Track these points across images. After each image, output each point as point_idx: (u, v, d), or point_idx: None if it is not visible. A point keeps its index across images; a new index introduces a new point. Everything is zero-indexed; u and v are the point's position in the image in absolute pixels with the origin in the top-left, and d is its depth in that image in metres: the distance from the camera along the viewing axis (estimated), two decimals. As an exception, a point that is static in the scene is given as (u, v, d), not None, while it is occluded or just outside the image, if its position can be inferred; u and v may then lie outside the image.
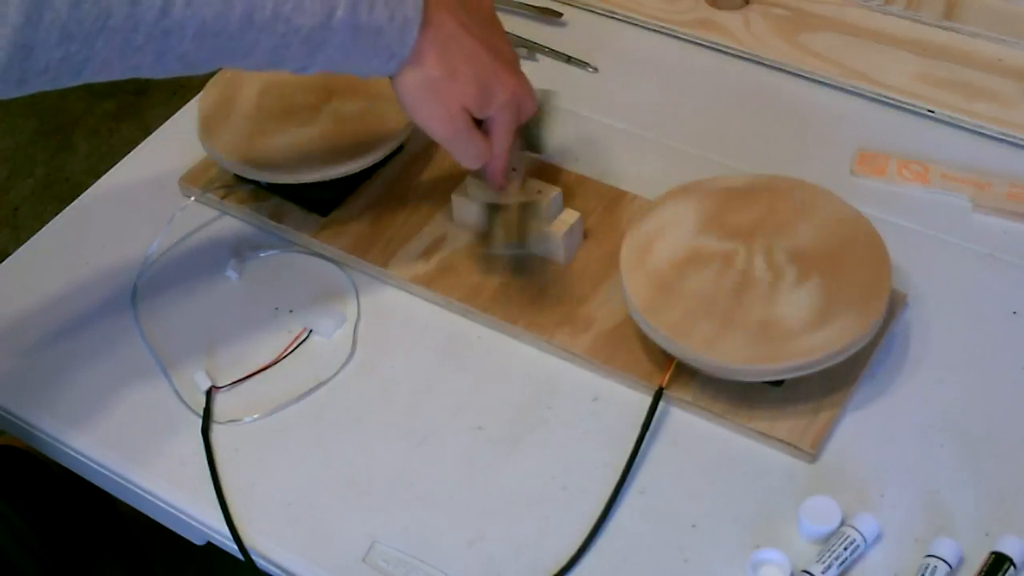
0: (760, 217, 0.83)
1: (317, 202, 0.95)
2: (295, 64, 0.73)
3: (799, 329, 0.77)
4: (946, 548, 0.71)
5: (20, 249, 0.97)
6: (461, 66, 0.76)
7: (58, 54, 0.65)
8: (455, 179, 0.92)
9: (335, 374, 0.86)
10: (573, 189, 0.92)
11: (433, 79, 0.76)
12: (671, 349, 0.78)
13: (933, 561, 0.70)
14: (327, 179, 0.91)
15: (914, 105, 1.00)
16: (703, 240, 0.83)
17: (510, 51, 0.81)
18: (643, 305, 0.79)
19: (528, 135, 0.89)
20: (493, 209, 0.87)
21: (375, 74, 0.76)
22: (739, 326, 0.77)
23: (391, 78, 0.77)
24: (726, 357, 0.76)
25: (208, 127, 0.95)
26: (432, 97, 0.77)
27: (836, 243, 0.82)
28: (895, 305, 0.84)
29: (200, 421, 0.83)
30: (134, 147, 1.05)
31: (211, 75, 0.99)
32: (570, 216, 0.88)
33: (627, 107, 0.97)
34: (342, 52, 0.73)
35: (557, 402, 0.83)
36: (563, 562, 0.74)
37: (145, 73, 0.70)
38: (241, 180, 0.95)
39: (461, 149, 0.80)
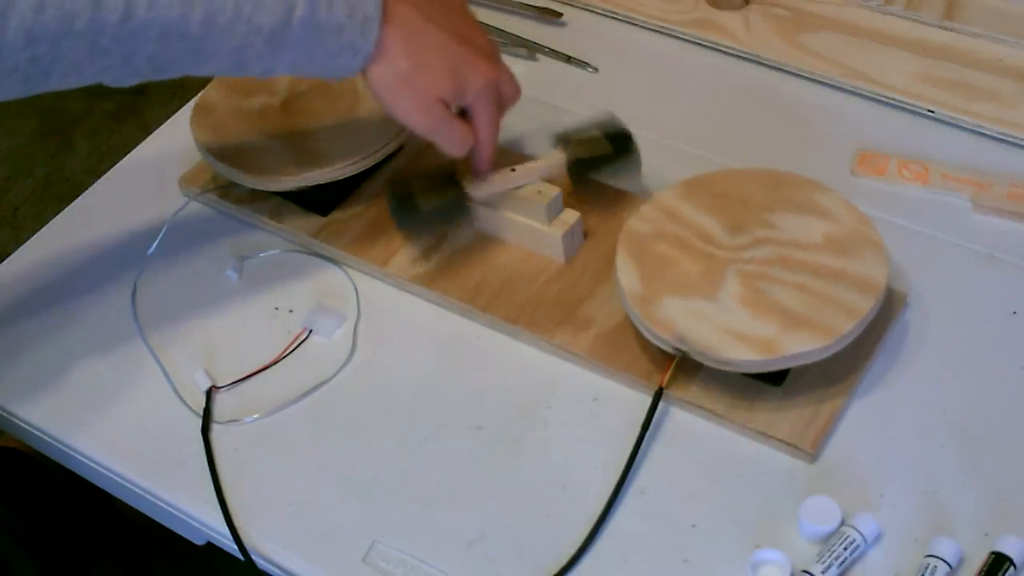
0: (755, 210, 0.84)
1: (317, 202, 0.95)
2: (260, 66, 0.74)
3: (800, 319, 0.77)
4: (946, 548, 0.71)
5: (20, 249, 0.97)
6: (429, 57, 0.77)
7: (26, 55, 0.66)
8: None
9: (335, 374, 0.86)
10: (573, 189, 0.92)
11: (402, 72, 0.77)
12: (678, 347, 0.78)
13: (933, 561, 0.70)
14: (326, 182, 0.92)
15: (914, 105, 1.00)
16: (700, 232, 0.83)
17: (484, 40, 0.82)
18: (641, 304, 0.79)
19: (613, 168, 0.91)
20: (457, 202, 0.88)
21: (343, 73, 0.77)
22: (739, 319, 0.78)
23: (364, 76, 0.77)
24: (731, 352, 0.76)
25: (204, 133, 0.95)
26: (405, 90, 0.78)
27: (830, 233, 0.82)
28: (895, 305, 0.84)
29: (200, 421, 0.83)
30: (134, 147, 1.05)
31: (210, 78, 0.99)
32: (570, 216, 0.88)
33: (627, 107, 0.96)
34: (306, 52, 0.74)
35: (557, 402, 0.83)
36: (563, 562, 0.74)
37: (113, 76, 0.71)
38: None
39: (443, 138, 0.81)
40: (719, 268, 0.81)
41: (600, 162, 0.90)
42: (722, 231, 0.83)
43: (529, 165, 0.88)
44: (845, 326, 0.77)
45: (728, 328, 0.77)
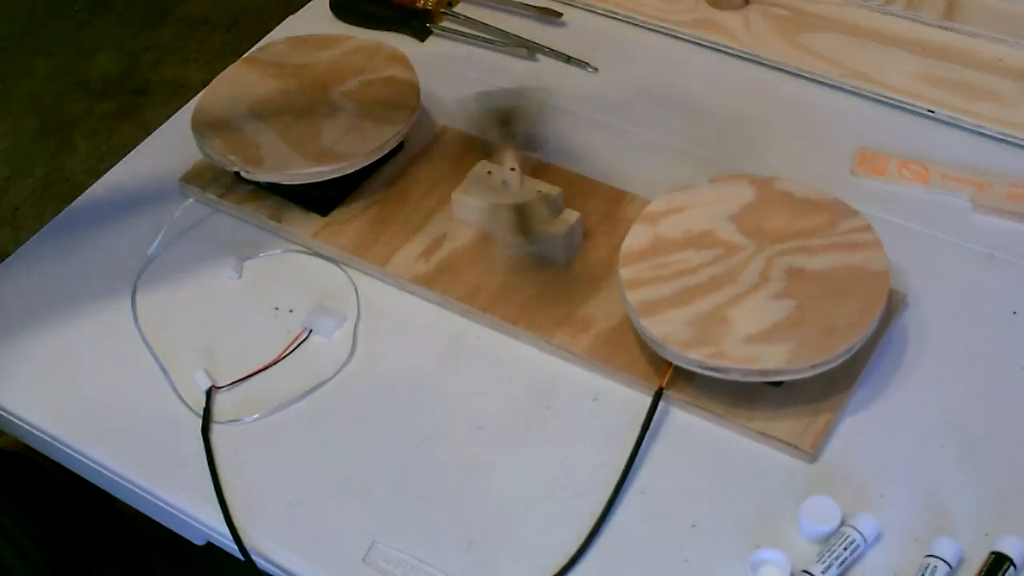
0: (786, 228, 0.83)
1: (317, 202, 0.95)
2: None
3: (744, 336, 0.77)
4: (946, 548, 0.71)
5: (20, 249, 0.97)
6: None
7: None
8: (455, 178, 0.92)
9: (335, 374, 0.86)
10: (573, 189, 0.92)
11: None
12: (625, 303, 0.80)
13: (933, 561, 0.70)
14: (326, 179, 0.92)
15: (914, 105, 1.00)
16: (722, 226, 0.83)
17: None
18: (626, 258, 0.81)
19: (525, 135, 0.89)
20: (495, 209, 0.87)
21: None
22: (690, 310, 0.78)
23: None
24: (659, 332, 0.77)
25: (205, 128, 0.95)
26: None
27: (840, 279, 0.80)
28: (895, 305, 0.84)
29: (200, 421, 0.83)
30: (134, 147, 1.05)
31: (211, 79, 0.99)
32: (570, 216, 0.88)
33: (627, 107, 0.97)
34: None
35: (557, 402, 0.83)
36: (563, 562, 0.74)
37: None
38: (241, 180, 0.95)
39: None
40: (717, 264, 0.81)
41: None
42: (736, 232, 0.83)
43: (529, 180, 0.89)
44: (839, 348, 0.76)
45: (693, 324, 0.78)
